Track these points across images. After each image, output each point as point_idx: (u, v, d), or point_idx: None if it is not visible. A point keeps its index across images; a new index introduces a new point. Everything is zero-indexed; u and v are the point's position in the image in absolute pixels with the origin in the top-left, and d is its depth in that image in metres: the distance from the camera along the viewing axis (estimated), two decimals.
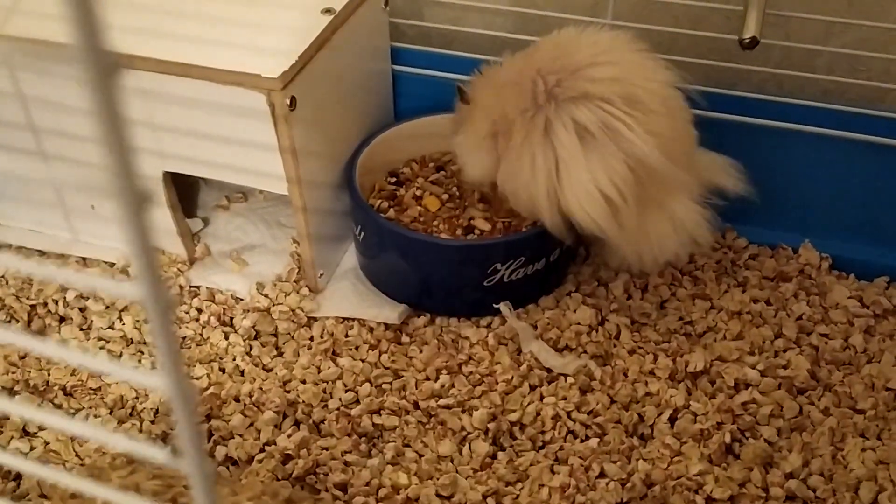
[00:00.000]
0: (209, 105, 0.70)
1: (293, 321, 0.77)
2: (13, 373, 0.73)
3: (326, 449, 0.66)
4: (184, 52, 0.68)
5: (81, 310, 0.78)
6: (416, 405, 0.70)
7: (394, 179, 0.86)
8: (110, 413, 0.70)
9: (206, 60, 0.68)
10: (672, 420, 0.68)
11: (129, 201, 0.18)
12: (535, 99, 0.71)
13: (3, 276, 0.82)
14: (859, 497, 0.62)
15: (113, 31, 0.18)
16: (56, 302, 0.79)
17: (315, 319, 0.78)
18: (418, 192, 0.84)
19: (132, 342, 0.76)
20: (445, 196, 0.84)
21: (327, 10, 0.74)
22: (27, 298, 0.80)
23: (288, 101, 0.67)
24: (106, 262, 0.83)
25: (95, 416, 0.70)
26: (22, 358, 0.74)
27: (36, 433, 0.69)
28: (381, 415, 0.69)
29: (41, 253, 0.85)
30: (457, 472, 0.65)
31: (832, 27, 0.83)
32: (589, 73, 0.69)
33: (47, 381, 0.72)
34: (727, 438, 0.65)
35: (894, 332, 0.75)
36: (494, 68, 0.78)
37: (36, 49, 0.71)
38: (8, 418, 0.69)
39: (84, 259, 0.84)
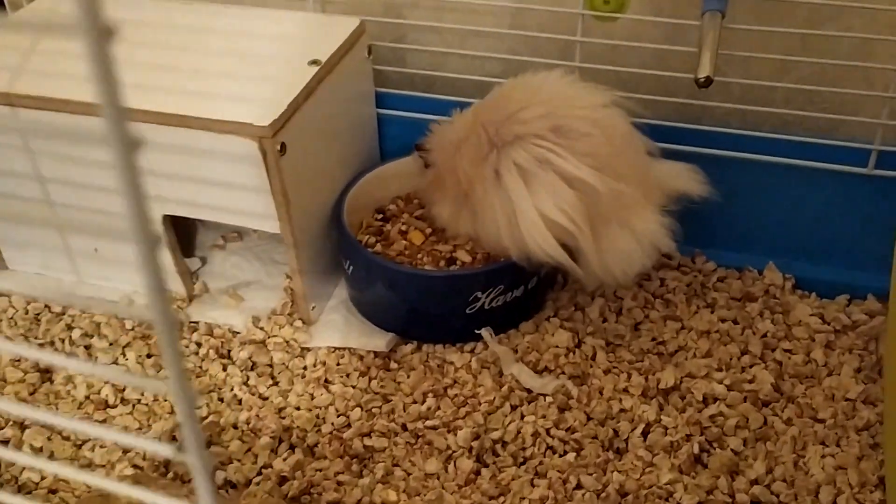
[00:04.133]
0: (206, 152, 0.75)
1: (287, 352, 0.81)
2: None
3: (320, 470, 0.70)
4: (182, 105, 0.74)
5: (87, 347, 0.83)
6: (404, 427, 0.74)
7: (381, 216, 0.91)
8: (115, 444, 0.74)
9: (203, 112, 0.73)
10: (645, 434, 0.72)
11: (144, 244, 0.23)
12: (480, 150, 0.76)
13: (12, 318, 0.87)
14: (819, 500, 0.66)
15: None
16: (62, 340, 0.83)
17: (308, 350, 0.82)
18: (404, 227, 0.89)
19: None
20: (429, 230, 0.88)
21: (314, 62, 0.80)
22: (35, 338, 0.84)
23: (278, 147, 0.73)
24: (109, 301, 0.88)
25: (101, 447, 0.74)
26: (31, 394, 0.78)
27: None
28: (371, 437, 0.73)
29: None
30: (443, 488, 0.69)
31: (787, 64, 0.88)
32: (520, 115, 0.74)
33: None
34: (696, 449, 0.69)
35: (853, 347, 0.80)
36: (446, 125, 0.82)
37: (42, 104, 0.77)
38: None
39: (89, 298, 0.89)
